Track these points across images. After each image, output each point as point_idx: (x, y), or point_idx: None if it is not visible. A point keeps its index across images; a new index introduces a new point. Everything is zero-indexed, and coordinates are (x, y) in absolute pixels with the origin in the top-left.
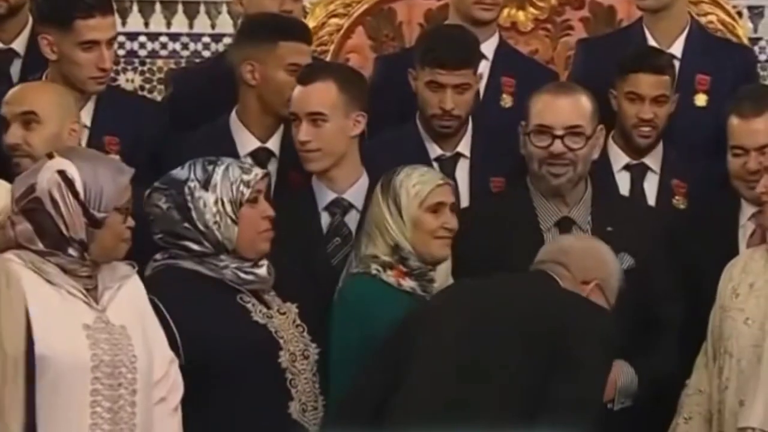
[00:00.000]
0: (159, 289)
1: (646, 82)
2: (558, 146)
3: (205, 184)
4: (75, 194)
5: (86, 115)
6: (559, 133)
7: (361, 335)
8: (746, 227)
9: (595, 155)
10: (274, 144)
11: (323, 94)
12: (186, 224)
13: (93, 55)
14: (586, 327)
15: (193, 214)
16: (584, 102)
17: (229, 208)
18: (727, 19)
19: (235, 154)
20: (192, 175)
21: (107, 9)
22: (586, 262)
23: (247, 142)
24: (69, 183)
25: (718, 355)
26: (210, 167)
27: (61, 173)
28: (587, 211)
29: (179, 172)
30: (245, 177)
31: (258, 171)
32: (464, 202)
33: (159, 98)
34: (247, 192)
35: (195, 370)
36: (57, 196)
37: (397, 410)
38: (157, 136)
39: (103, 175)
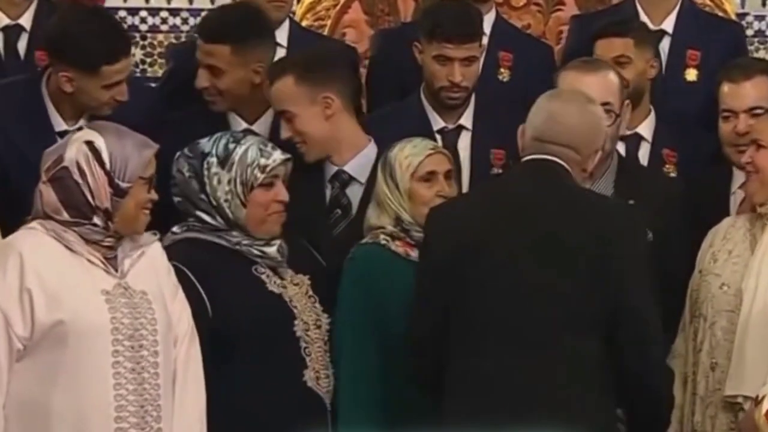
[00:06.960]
0: (183, 257)
1: (604, 47)
2: None
3: (223, 162)
4: (101, 164)
5: None
6: None
7: (368, 302)
8: (737, 195)
9: (623, 130)
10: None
11: (282, 91)
12: (202, 195)
13: (114, 91)
14: (623, 238)
15: (208, 188)
16: (611, 78)
17: (240, 190)
18: None
19: None
20: (213, 150)
21: (129, 48)
22: (591, 137)
23: None
24: (96, 153)
25: (694, 318)
26: (232, 145)
27: (89, 144)
28: (610, 184)
29: (205, 144)
30: (262, 161)
31: (278, 156)
32: (466, 173)
33: (159, 73)
34: (260, 176)
35: (218, 335)
36: (84, 165)
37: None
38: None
39: (129, 146)
